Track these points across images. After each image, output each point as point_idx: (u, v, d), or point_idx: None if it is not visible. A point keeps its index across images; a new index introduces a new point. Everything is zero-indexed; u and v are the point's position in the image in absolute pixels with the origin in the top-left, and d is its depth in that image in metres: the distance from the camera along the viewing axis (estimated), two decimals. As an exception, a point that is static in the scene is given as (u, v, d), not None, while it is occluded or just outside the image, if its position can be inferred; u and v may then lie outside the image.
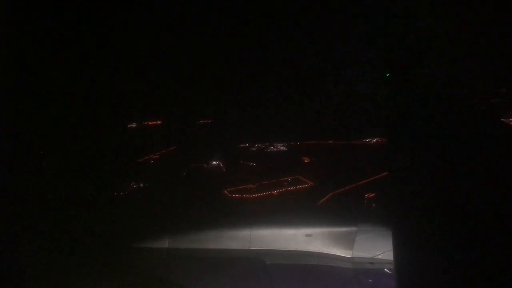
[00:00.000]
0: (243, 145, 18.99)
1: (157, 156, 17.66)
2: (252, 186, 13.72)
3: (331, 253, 6.06)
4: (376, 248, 5.88)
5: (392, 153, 2.71)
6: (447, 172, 2.16)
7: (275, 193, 13.19)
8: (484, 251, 2.00)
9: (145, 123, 23.36)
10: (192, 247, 6.10)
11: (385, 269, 5.63)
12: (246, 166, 16.40)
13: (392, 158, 2.66)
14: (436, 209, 2.21)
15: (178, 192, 13.33)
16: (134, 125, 23.02)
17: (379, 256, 5.81)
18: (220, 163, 16.57)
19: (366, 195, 12.08)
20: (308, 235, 6.16)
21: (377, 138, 16.83)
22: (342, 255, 6.02)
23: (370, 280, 5.65)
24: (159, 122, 23.95)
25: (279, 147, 18.56)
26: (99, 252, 5.98)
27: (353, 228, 6.10)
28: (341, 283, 5.58)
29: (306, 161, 16.66)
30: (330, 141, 18.43)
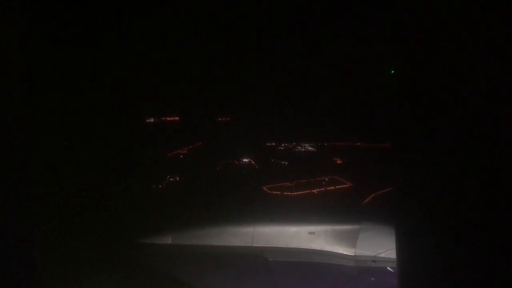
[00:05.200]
0: (269, 144, 18.87)
1: (185, 151, 17.44)
2: (290, 184, 13.52)
3: (333, 251, 5.99)
4: (379, 246, 5.79)
5: (395, 150, 2.58)
6: (452, 170, 2.02)
7: (315, 192, 13.00)
8: (489, 251, 1.89)
9: (163, 118, 23.19)
10: (194, 244, 6.00)
11: (388, 268, 5.53)
12: (278, 165, 16.23)
13: (395, 155, 2.54)
14: (440, 207, 2.08)
15: (214, 187, 13.08)
16: (152, 120, 22.86)
17: (382, 254, 5.72)
18: (251, 160, 16.38)
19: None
20: (311, 233, 6.07)
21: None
22: (344, 253, 5.94)
23: (372, 278, 5.58)
24: (176, 118, 23.79)
25: (306, 147, 18.43)
26: (101, 247, 5.84)
27: (356, 226, 6.00)
28: (343, 281, 5.49)
29: (338, 162, 16.52)
30: (358, 143, 18.39)
